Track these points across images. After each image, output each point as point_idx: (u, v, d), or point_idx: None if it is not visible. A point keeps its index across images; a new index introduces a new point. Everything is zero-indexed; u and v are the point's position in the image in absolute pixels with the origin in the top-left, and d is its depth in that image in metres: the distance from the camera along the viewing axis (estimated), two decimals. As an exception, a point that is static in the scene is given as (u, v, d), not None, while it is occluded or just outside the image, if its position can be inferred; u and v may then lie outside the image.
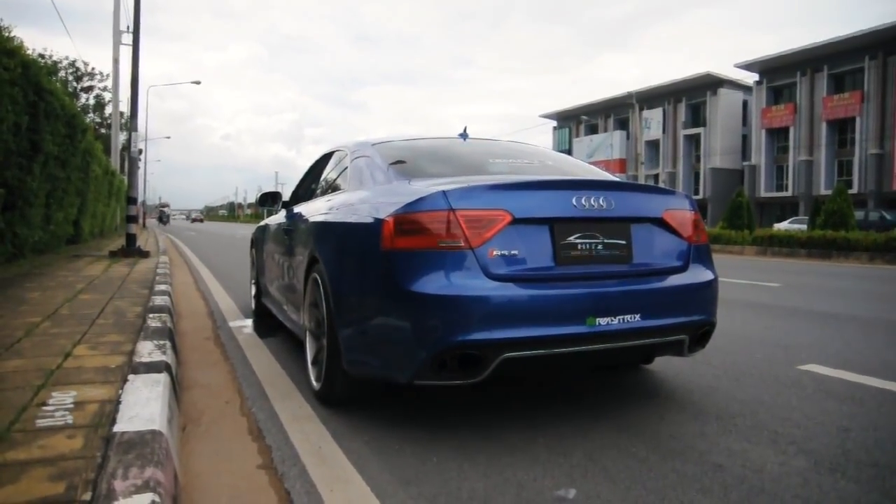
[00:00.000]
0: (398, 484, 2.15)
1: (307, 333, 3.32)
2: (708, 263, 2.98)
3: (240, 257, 14.02)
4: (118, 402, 2.42)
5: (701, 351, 3.11)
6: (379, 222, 2.55)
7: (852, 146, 43.10)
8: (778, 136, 48.57)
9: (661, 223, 2.82)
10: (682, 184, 54.79)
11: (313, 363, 3.21)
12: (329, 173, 4.05)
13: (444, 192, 2.46)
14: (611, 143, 59.25)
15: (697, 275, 2.86)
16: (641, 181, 38.31)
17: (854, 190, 39.16)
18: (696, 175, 54.79)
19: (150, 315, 4.50)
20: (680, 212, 2.88)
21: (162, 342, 3.54)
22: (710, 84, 53.10)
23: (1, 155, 6.93)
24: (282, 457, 2.38)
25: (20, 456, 1.90)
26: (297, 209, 4.16)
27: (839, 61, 43.65)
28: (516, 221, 2.47)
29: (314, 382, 3.11)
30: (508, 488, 2.12)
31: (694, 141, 55.13)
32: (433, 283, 2.36)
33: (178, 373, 3.44)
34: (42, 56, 37.76)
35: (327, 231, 3.17)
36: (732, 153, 52.64)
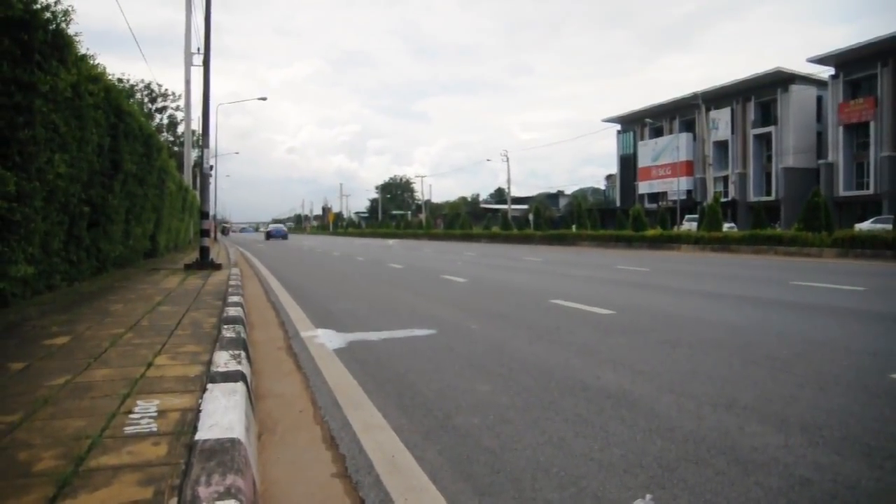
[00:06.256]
0: (472, 494, 2.13)
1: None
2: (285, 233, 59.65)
3: (308, 269, 14.34)
4: (198, 411, 2.50)
5: None
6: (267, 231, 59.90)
7: (939, 139, 40.59)
8: (857, 132, 46.24)
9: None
10: (753, 185, 52.92)
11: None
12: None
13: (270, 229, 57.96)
14: (677, 145, 57.72)
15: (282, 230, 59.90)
16: (710, 183, 40.03)
17: (943, 186, 36.85)
18: (768, 175, 52.79)
19: (225, 326, 4.65)
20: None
21: (237, 352, 3.64)
22: (780, 81, 51.12)
23: (86, 175, 7.32)
24: (356, 465, 2.40)
25: (112, 461, 1.99)
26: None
27: (923, 50, 41.20)
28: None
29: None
30: (584, 499, 2.08)
31: (764, 140, 53.19)
32: (270, 233, 56.37)
33: (252, 382, 3.54)
34: (120, 80, 39.84)
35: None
36: (806, 151, 50.45)
